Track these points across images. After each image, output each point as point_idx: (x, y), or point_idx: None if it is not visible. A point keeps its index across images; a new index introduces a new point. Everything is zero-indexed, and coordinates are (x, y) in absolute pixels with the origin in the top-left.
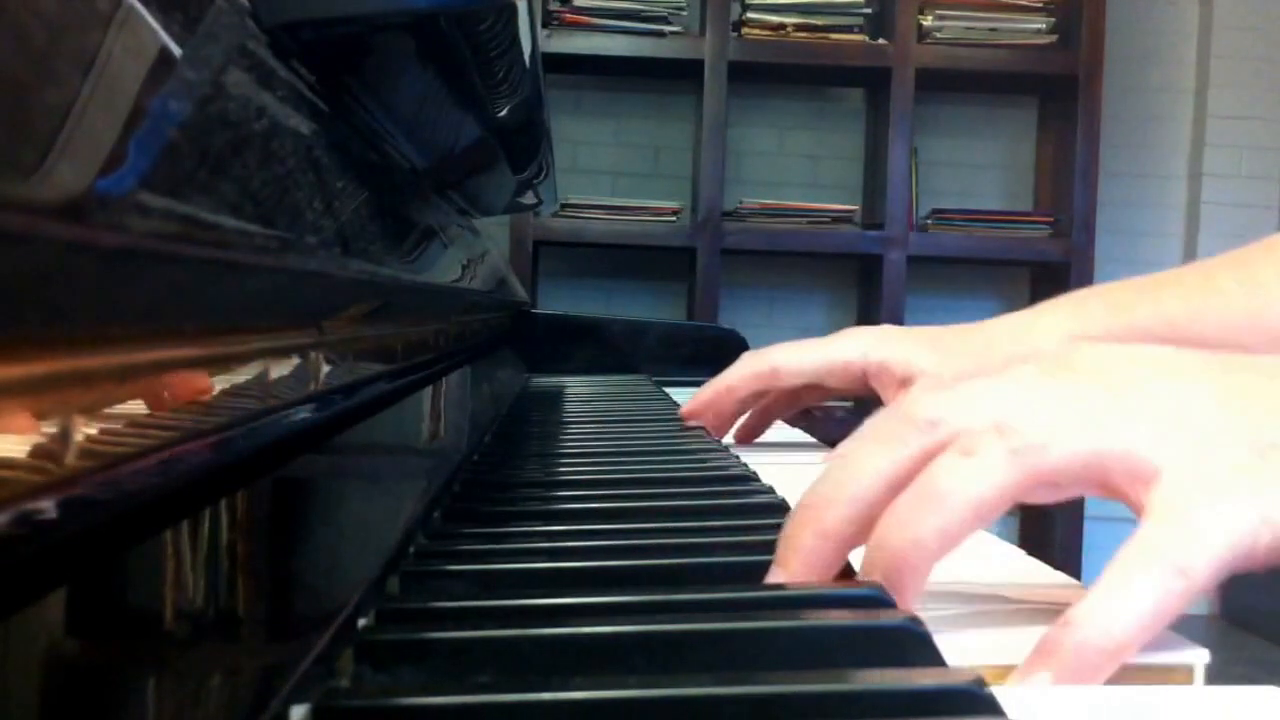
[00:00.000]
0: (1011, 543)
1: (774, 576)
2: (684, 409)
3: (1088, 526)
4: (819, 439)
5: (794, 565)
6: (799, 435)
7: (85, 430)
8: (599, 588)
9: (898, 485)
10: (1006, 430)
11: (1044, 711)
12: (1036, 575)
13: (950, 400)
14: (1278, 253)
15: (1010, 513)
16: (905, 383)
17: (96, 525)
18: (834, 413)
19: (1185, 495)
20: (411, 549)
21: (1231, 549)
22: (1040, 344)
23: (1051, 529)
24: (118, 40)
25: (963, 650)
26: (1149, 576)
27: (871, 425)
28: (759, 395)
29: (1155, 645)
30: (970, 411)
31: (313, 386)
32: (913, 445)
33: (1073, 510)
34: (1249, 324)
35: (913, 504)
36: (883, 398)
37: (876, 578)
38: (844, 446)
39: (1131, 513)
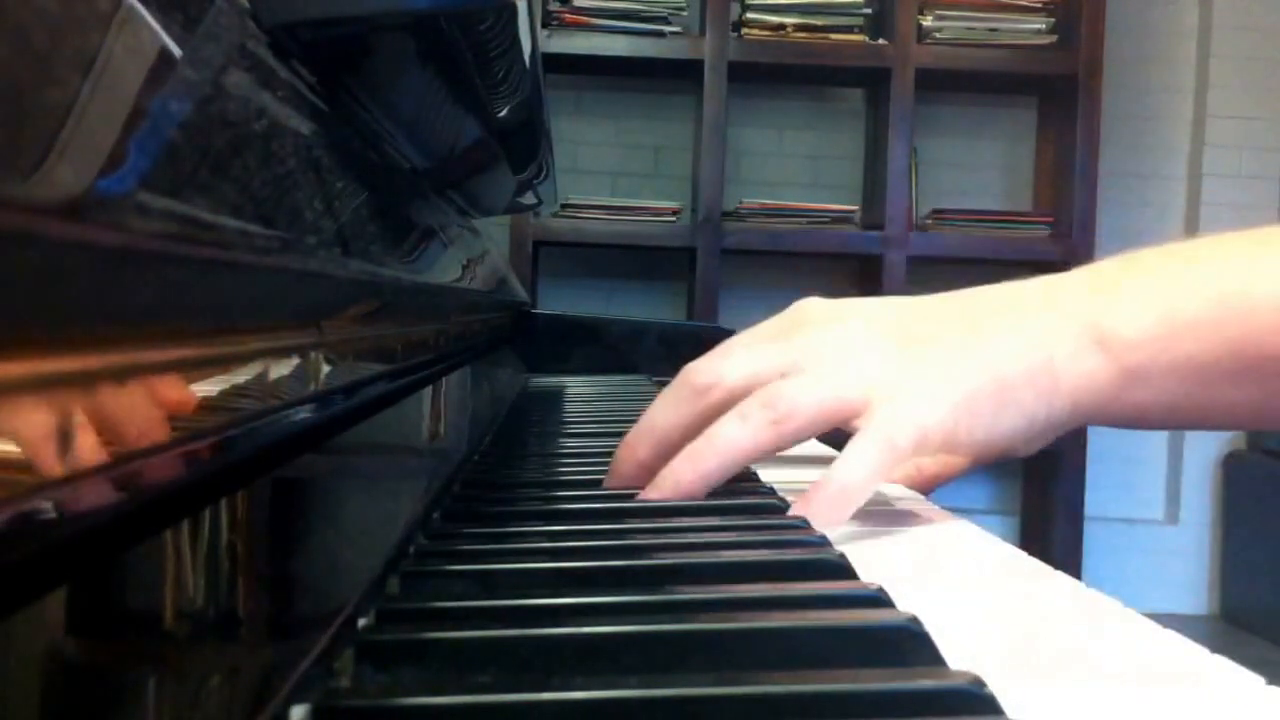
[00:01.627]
0: (1012, 543)
1: (607, 484)
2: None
3: (1088, 527)
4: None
5: (617, 482)
6: None
7: (85, 430)
8: (599, 588)
9: (688, 432)
10: (768, 404)
11: (1044, 711)
12: (1036, 575)
13: (713, 371)
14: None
15: (1010, 513)
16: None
17: (96, 525)
18: None
19: (888, 406)
20: (412, 549)
21: (920, 430)
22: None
23: (1051, 529)
24: (118, 40)
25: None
26: (869, 444)
27: (672, 390)
28: None
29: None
30: (727, 379)
31: (312, 386)
32: (696, 405)
33: (1073, 510)
34: None
35: (701, 447)
36: None
37: (667, 491)
38: (654, 404)
39: (1130, 513)
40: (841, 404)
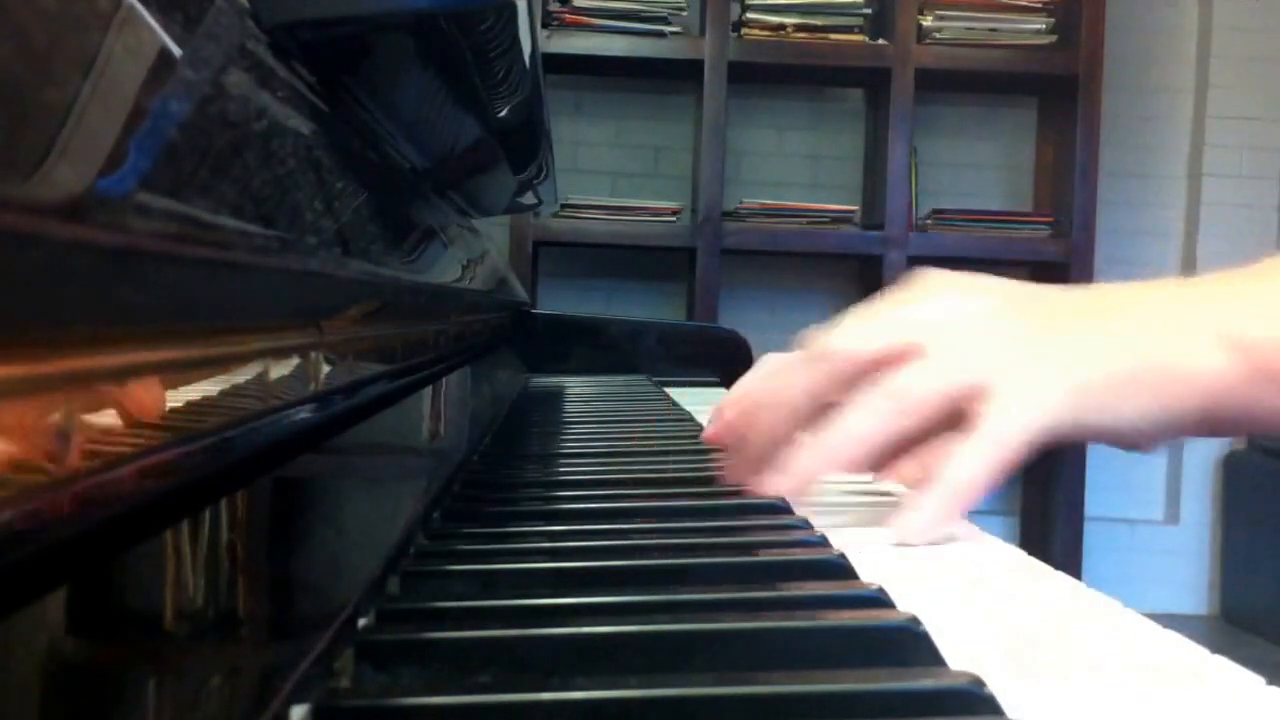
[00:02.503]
0: (1012, 543)
1: (719, 444)
2: (706, 434)
3: (1088, 527)
4: None
5: (748, 451)
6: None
7: (85, 430)
8: (599, 588)
9: (814, 401)
10: (892, 395)
11: (1044, 711)
12: (1036, 575)
13: (848, 341)
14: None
15: (1010, 513)
16: None
17: (96, 525)
18: None
19: (1008, 395)
20: (412, 549)
21: (1035, 426)
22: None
23: (1051, 529)
24: (118, 40)
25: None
26: (983, 441)
27: (794, 358)
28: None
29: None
30: (865, 352)
31: (313, 386)
32: (820, 375)
33: (1073, 510)
34: None
35: (830, 439)
36: None
37: (794, 483)
38: (777, 372)
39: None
40: (962, 389)
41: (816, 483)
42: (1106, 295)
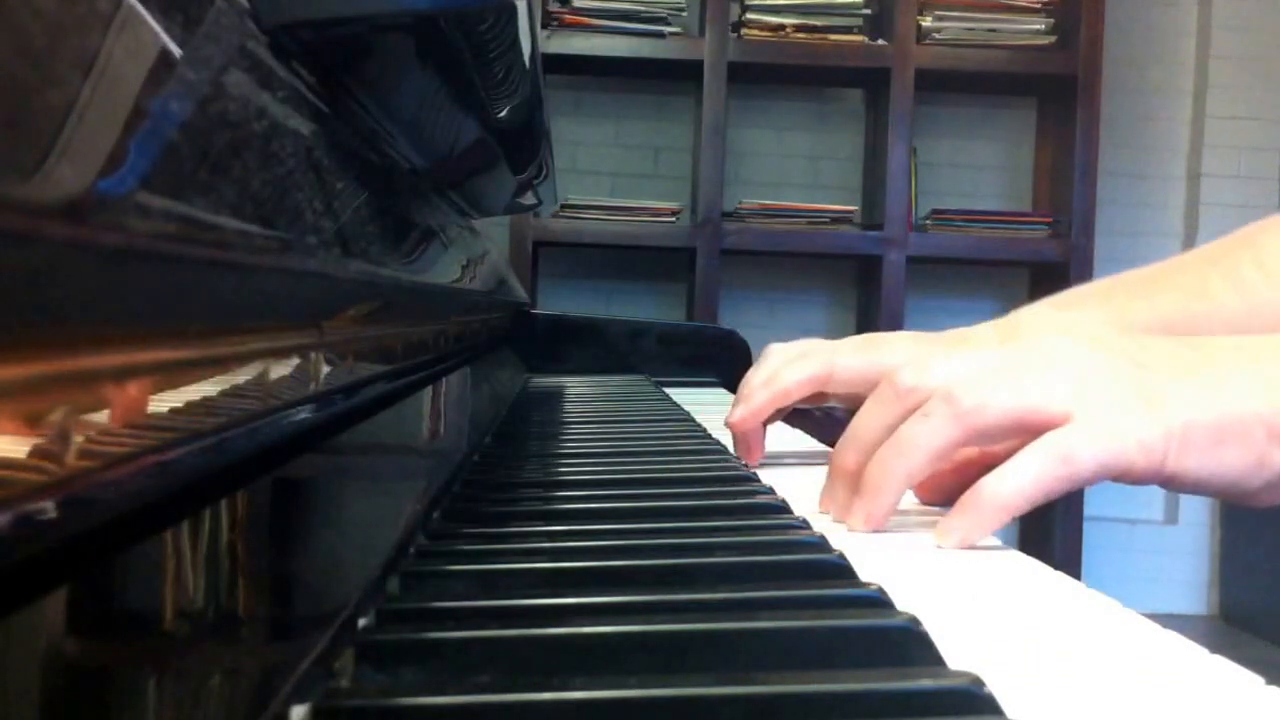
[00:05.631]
0: (1011, 544)
1: (823, 505)
2: (737, 419)
3: (1087, 527)
4: (823, 440)
5: (833, 499)
6: (800, 437)
7: (85, 430)
8: (599, 588)
9: (889, 433)
10: (952, 399)
11: (1044, 711)
12: (1036, 575)
13: (918, 374)
14: (1258, 246)
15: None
16: None
17: (96, 525)
18: (834, 413)
19: (1081, 422)
20: (412, 549)
21: (1111, 454)
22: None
23: (1051, 529)
24: (118, 41)
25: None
26: (1036, 458)
27: (874, 396)
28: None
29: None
30: (930, 381)
31: (313, 387)
32: (898, 408)
33: (1073, 511)
34: (1242, 324)
35: (888, 451)
36: None
37: (865, 495)
38: (860, 411)
39: (1129, 514)
40: (1038, 411)
41: (886, 506)
42: (1211, 341)
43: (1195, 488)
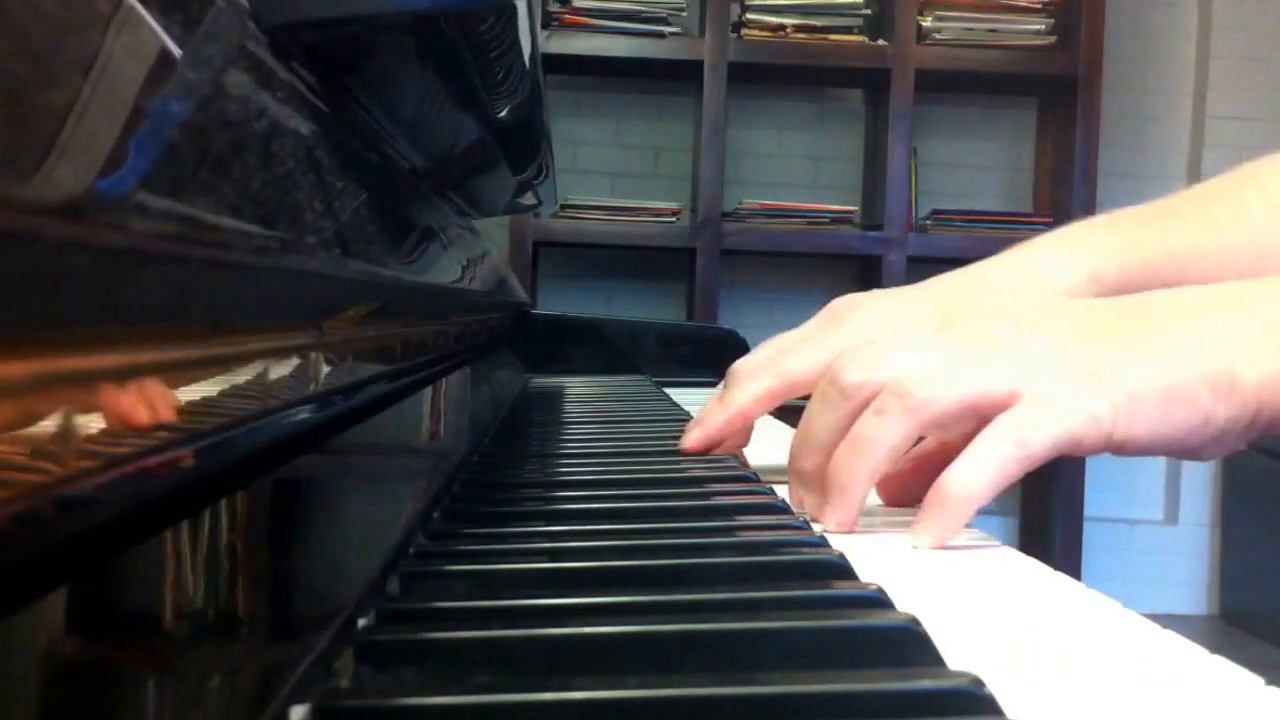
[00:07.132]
0: (1011, 544)
1: (790, 496)
2: (690, 443)
3: (1087, 527)
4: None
5: (802, 502)
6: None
7: (85, 430)
8: (599, 588)
9: (843, 433)
10: (903, 393)
11: (1044, 711)
12: (1036, 575)
13: (862, 369)
14: (1264, 180)
15: (1010, 513)
16: None
17: (96, 525)
18: None
19: (1033, 403)
20: (412, 549)
21: (1063, 429)
22: (1041, 296)
23: (1051, 529)
24: (118, 41)
25: None
26: (992, 446)
27: (819, 394)
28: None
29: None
30: (877, 376)
31: (313, 387)
32: (846, 406)
33: (1072, 510)
34: (1249, 262)
35: (847, 451)
36: None
37: (833, 498)
38: (807, 410)
39: (1129, 514)
40: (987, 395)
41: (853, 507)
42: (1151, 301)
43: (1143, 451)
